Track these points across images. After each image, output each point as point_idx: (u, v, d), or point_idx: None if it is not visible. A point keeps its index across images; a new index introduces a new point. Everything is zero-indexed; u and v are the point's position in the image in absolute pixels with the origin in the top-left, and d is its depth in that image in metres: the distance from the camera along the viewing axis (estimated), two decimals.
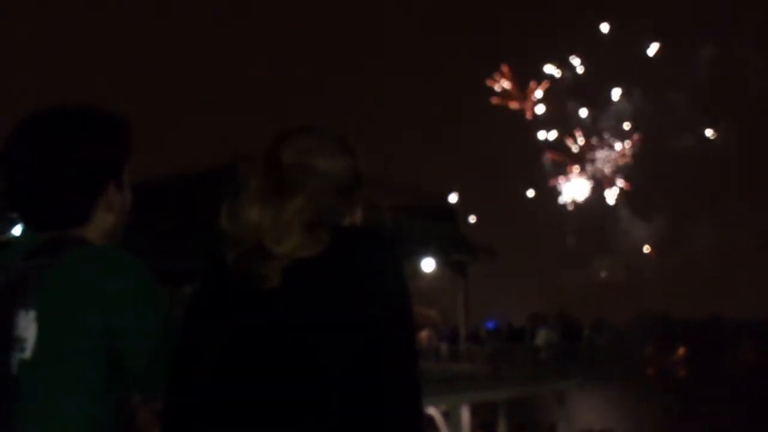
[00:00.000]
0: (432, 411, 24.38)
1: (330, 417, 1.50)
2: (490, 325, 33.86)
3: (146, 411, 1.88)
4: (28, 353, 1.67)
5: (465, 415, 25.03)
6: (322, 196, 1.69)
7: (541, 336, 28.50)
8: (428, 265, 25.29)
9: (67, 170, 1.82)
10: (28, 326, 1.67)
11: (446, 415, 24.54)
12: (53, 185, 1.81)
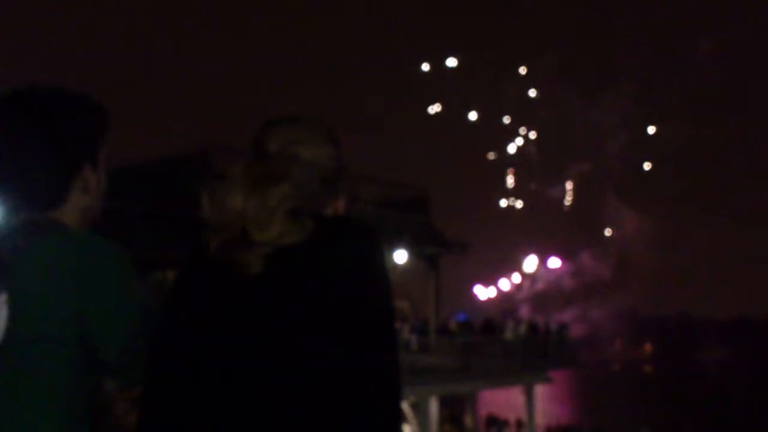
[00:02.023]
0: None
1: (311, 403, 1.50)
2: (461, 317, 33.93)
3: (122, 398, 1.86)
4: None
5: (433, 407, 25.14)
6: (306, 185, 1.69)
7: (510, 330, 28.63)
8: (400, 256, 25.36)
9: (42, 150, 1.79)
10: None
11: (415, 407, 24.66)
12: (28, 165, 1.78)
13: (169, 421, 1.57)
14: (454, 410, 30.82)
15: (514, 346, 27.37)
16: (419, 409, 23.84)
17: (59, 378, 1.67)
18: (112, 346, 1.72)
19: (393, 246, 24.39)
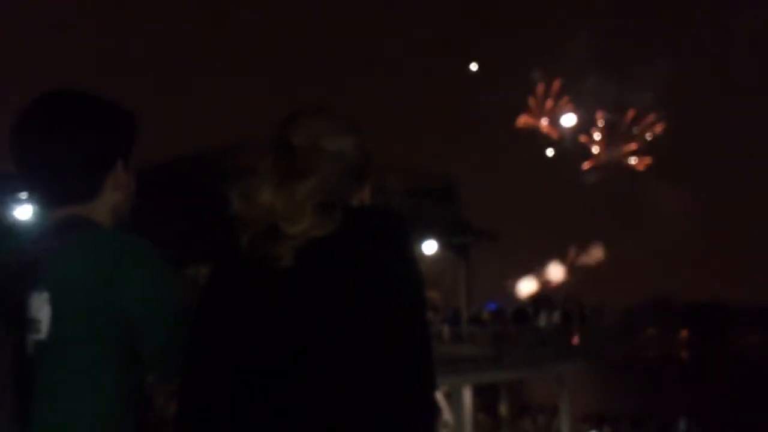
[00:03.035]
0: None
1: (345, 396, 1.52)
2: (492, 306, 33.92)
3: (162, 391, 1.90)
4: (43, 334, 1.69)
5: (467, 396, 25.15)
6: (333, 177, 1.71)
7: (543, 318, 28.56)
8: (430, 247, 25.36)
9: (77, 147, 1.84)
10: (41, 307, 1.69)
11: (448, 396, 24.68)
12: (62, 161, 1.83)
13: (208, 411, 1.61)
14: (487, 399, 30.83)
15: (547, 334, 27.30)
16: (453, 399, 23.85)
17: (102, 374, 1.72)
18: (152, 343, 1.78)
19: (422, 236, 24.38)
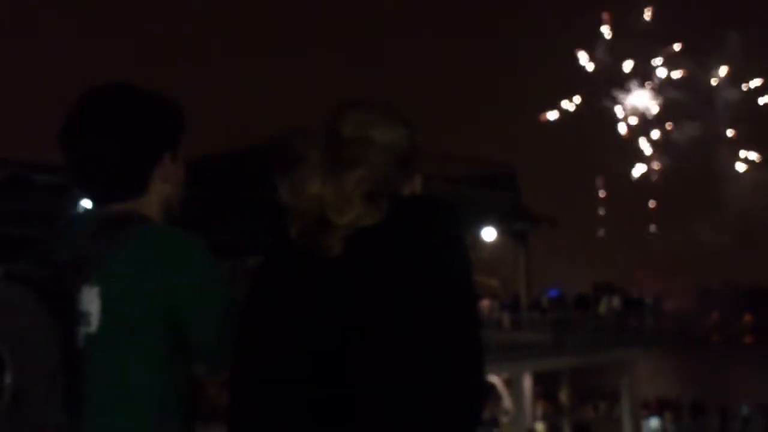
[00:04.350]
0: (494, 379, 24.40)
1: (396, 384, 1.53)
2: (553, 293, 33.58)
3: (214, 382, 1.93)
4: (93, 327, 1.72)
5: (527, 383, 25.02)
6: (381, 167, 1.71)
7: (603, 304, 28.21)
8: (489, 234, 25.24)
9: (125, 141, 1.87)
10: (92, 301, 1.72)
11: (509, 383, 24.57)
12: (112, 156, 1.86)
13: (258, 402, 1.63)
14: (548, 386, 30.59)
15: (608, 320, 26.98)
16: (513, 386, 23.74)
17: (151, 366, 1.76)
18: (201, 335, 1.81)
19: (481, 223, 24.27)
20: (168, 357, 1.78)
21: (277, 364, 1.61)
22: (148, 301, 1.75)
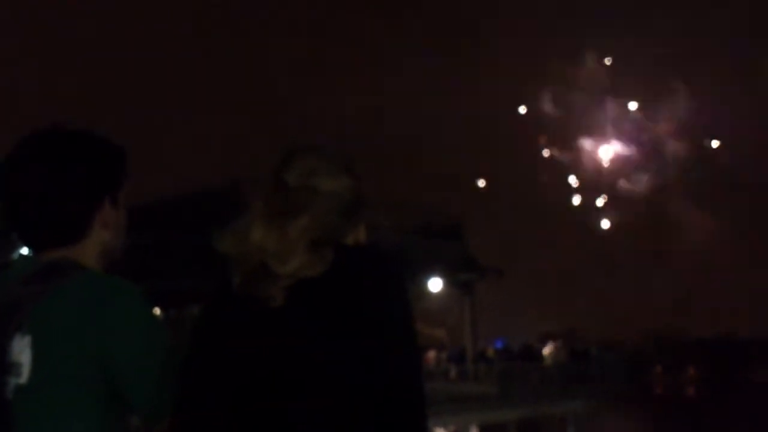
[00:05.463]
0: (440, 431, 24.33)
1: (337, 425, 1.52)
2: (499, 344, 33.73)
3: None
4: (23, 378, 1.67)
5: None
6: (326, 216, 1.70)
7: (548, 354, 28.38)
8: (435, 284, 25.30)
9: (63, 187, 1.83)
10: (23, 351, 1.67)
11: None
12: (50, 202, 1.82)
13: None
14: None
15: (553, 372, 27.13)
16: None
17: (85, 418, 1.70)
18: (137, 386, 1.76)
19: (427, 274, 24.34)
20: (102, 408, 1.72)
21: (218, 417, 1.59)
22: (81, 351, 1.69)
